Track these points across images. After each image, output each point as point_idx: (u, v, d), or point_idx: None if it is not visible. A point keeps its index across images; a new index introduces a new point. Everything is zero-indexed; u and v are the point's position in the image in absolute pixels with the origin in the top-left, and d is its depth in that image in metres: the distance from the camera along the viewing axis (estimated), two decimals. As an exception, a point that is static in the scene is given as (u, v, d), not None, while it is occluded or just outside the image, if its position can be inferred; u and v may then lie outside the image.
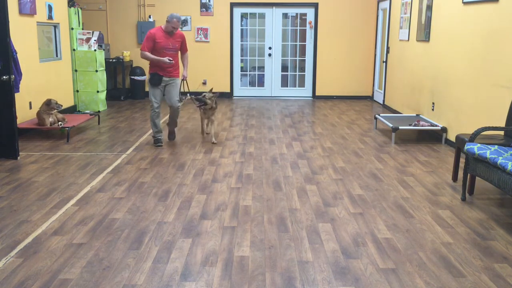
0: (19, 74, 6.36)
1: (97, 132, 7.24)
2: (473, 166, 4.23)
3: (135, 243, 3.46)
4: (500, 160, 3.80)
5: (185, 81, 6.58)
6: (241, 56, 11.36)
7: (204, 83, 11.24)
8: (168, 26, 6.15)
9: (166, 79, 6.28)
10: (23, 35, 6.95)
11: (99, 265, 3.13)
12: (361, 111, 9.56)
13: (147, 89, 11.11)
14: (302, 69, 11.41)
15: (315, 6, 10.94)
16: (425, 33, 7.58)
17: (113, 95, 10.59)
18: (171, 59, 6.13)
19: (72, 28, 8.80)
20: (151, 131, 7.34)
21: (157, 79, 6.22)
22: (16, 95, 6.37)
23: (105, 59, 10.10)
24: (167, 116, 7.11)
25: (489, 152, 4.00)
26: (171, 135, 6.76)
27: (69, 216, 3.95)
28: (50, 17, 7.87)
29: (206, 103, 6.46)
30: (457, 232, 3.72)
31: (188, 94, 11.20)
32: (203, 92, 6.57)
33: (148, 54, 6.11)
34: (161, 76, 6.23)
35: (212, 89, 6.69)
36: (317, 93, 11.31)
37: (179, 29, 6.31)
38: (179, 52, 6.45)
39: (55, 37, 8.29)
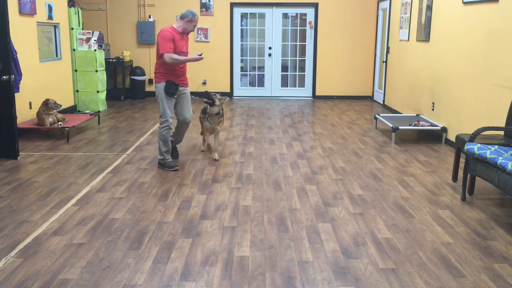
0: (19, 74, 6.36)
1: (97, 132, 7.24)
2: (473, 166, 4.23)
3: (135, 243, 3.46)
4: (500, 160, 3.80)
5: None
6: (241, 56, 11.36)
7: (204, 83, 11.24)
8: (190, 25, 5.20)
9: (181, 89, 5.38)
10: (23, 35, 6.95)
11: (99, 265, 3.13)
12: (361, 111, 9.56)
13: (147, 89, 11.11)
14: (302, 69, 11.41)
15: (315, 6, 10.94)
16: (425, 33, 7.58)
17: (113, 95, 10.59)
18: (200, 54, 5.26)
19: (72, 28, 8.80)
20: (151, 131, 7.34)
21: (175, 87, 5.23)
22: (16, 95, 6.36)
23: (105, 59, 10.09)
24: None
25: (489, 152, 4.00)
26: (175, 153, 5.80)
27: (69, 216, 3.95)
28: (50, 17, 7.87)
29: (214, 102, 5.64)
30: (457, 232, 3.72)
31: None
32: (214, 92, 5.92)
33: (176, 55, 5.11)
34: (177, 85, 5.28)
35: (222, 94, 5.89)
36: (317, 93, 11.31)
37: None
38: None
39: (55, 37, 8.29)
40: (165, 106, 5.24)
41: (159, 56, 5.14)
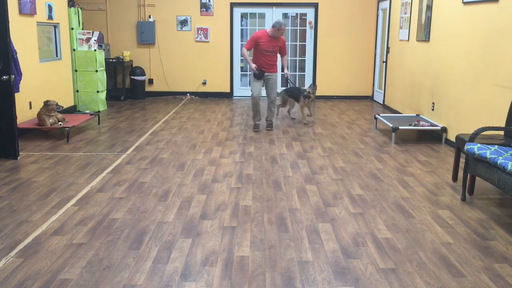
0: (19, 74, 6.36)
1: (97, 132, 7.24)
2: (473, 166, 4.23)
3: (135, 243, 3.47)
4: (500, 160, 3.80)
5: (288, 79, 7.69)
6: (241, 56, 11.36)
7: (204, 83, 11.24)
8: (277, 32, 7.12)
9: (266, 74, 7.31)
10: (23, 35, 6.95)
11: (99, 265, 3.13)
12: (361, 111, 9.56)
13: (147, 89, 11.12)
14: (302, 69, 11.41)
15: (315, 6, 10.94)
16: (425, 33, 7.58)
17: (113, 95, 10.59)
18: (257, 68, 7.23)
19: (72, 28, 8.80)
20: (151, 131, 7.36)
21: (261, 73, 7.26)
22: (16, 95, 6.37)
23: (105, 59, 10.10)
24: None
25: (489, 152, 4.00)
26: (269, 125, 7.53)
27: (69, 216, 3.95)
28: (50, 17, 7.87)
29: (310, 97, 7.77)
30: (457, 232, 3.72)
31: (188, 94, 11.23)
32: (303, 89, 8.05)
33: (246, 53, 7.25)
34: (263, 72, 7.26)
35: (311, 85, 8.06)
36: (317, 93, 11.28)
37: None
38: (279, 54, 7.47)
39: (55, 37, 8.29)
40: (252, 85, 7.37)
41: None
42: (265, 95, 7.54)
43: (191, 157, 5.85)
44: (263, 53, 7.22)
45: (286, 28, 11.24)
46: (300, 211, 4.11)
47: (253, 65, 7.19)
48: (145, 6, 10.92)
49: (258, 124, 7.53)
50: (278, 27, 7.04)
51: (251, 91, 7.36)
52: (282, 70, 7.65)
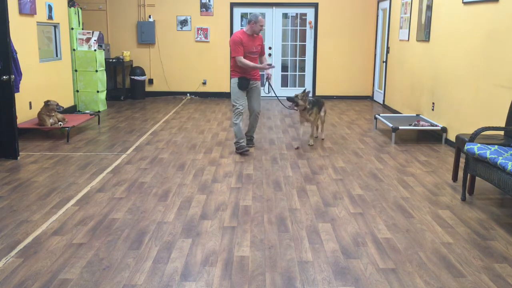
0: (19, 74, 6.36)
1: (97, 132, 7.24)
2: (473, 166, 4.23)
3: (135, 243, 3.46)
4: (500, 160, 3.80)
5: (269, 81, 6.42)
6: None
7: (204, 83, 11.24)
8: (255, 26, 5.98)
9: (251, 82, 6.13)
10: (23, 35, 6.95)
11: (99, 265, 3.13)
12: (361, 111, 9.56)
13: (147, 89, 11.12)
14: (302, 69, 11.41)
15: (315, 6, 10.94)
16: (425, 33, 7.58)
17: (113, 95, 10.59)
18: (271, 64, 6.18)
19: (72, 28, 8.80)
20: (151, 131, 7.36)
21: (246, 83, 6.05)
22: (16, 95, 6.36)
23: (105, 59, 10.10)
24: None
25: (489, 152, 4.00)
26: (250, 142, 6.45)
27: (69, 216, 3.95)
28: (50, 17, 7.87)
29: (298, 103, 6.24)
30: (457, 232, 3.72)
31: (188, 94, 11.23)
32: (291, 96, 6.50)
33: (245, 60, 5.94)
34: (248, 80, 6.07)
35: (305, 89, 6.43)
36: (317, 93, 11.30)
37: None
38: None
39: (55, 37, 8.29)
40: (235, 98, 6.06)
41: (232, 57, 6.03)
42: (248, 108, 6.35)
43: (191, 157, 5.85)
44: (248, 56, 6.04)
45: (286, 28, 11.25)
46: (300, 211, 4.11)
47: (267, 67, 6.10)
48: (145, 6, 10.92)
49: (244, 144, 6.15)
50: (255, 20, 5.94)
51: (239, 105, 6.04)
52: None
